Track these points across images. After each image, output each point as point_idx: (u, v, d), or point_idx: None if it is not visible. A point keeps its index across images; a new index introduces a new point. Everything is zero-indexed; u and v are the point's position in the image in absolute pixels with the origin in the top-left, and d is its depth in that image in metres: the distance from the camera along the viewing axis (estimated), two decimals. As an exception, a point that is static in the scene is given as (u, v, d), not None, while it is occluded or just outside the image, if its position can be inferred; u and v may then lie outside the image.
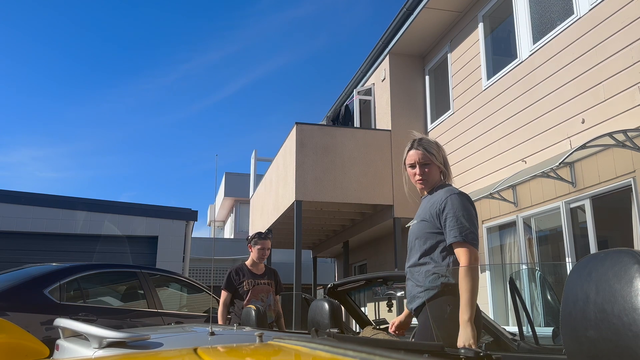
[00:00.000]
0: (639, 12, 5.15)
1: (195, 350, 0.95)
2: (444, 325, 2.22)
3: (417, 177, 2.51)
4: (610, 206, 5.69)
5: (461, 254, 2.29)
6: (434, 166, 2.50)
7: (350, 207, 9.39)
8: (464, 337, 2.11)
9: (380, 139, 9.20)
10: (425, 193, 2.57)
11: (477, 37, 7.99)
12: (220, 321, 4.49)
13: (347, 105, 11.49)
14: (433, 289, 2.33)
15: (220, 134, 72.83)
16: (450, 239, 2.32)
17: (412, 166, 2.52)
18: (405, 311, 2.63)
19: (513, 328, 4.55)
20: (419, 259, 2.42)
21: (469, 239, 2.30)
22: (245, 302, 4.36)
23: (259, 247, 4.54)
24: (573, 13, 6.07)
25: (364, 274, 7.22)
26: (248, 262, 4.59)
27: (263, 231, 4.70)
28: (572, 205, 5.91)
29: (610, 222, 5.94)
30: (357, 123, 10.46)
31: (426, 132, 9.42)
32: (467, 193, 2.48)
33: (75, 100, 64.84)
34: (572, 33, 6.02)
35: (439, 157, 2.52)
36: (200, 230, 61.20)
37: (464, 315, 2.16)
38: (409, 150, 2.54)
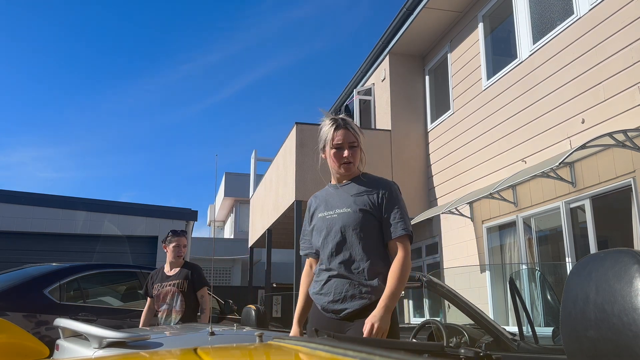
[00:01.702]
0: (639, 12, 5.15)
1: (195, 350, 0.95)
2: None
3: (345, 160, 2.25)
4: (610, 206, 5.69)
5: (402, 247, 2.15)
6: (359, 150, 2.30)
7: (350, 207, 9.37)
8: (381, 321, 1.97)
9: (380, 139, 9.20)
10: (344, 181, 2.33)
11: (477, 37, 7.99)
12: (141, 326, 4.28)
13: (347, 105, 11.49)
14: (376, 293, 2.11)
15: (220, 134, 72.83)
16: (399, 232, 2.16)
17: (339, 148, 2.26)
18: (299, 313, 2.32)
19: (513, 328, 4.56)
20: (359, 254, 2.17)
21: (412, 234, 2.21)
22: (156, 307, 4.19)
23: (173, 244, 4.24)
24: (573, 13, 6.07)
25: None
26: (166, 264, 4.32)
27: (177, 229, 4.42)
28: (572, 205, 5.91)
29: (610, 222, 5.94)
30: (357, 123, 10.43)
31: (426, 132, 9.42)
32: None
33: (76, 100, 64.88)
34: (572, 33, 6.02)
35: (362, 141, 2.33)
36: (200, 230, 61.23)
37: (389, 302, 2.02)
38: (335, 130, 2.26)
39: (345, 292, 2.13)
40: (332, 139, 2.25)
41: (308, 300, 2.33)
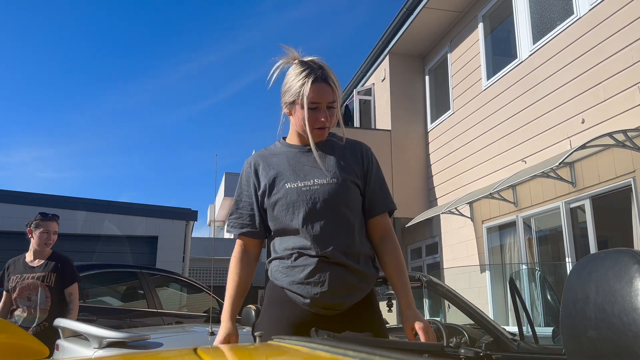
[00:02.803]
0: (639, 12, 5.15)
1: (195, 350, 0.95)
2: (383, 330, 1.78)
3: (320, 125, 1.72)
4: (610, 206, 5.69)
5: (390, 226, 1.82)
6: (336, 109, 1.76)
7: (350, 207, 9.37)
8: (424, 321, 1.67)
9: (380, 139, 9.20)
10: (311, 145, 1.76)
11: (477, 37, 7.99)
12: None
13: (347, 105, 11.49)
14: (372, 281, 1.78)
15: (220, 134, 72.87)
16: (389, 205, 1.81)
17: (316, 108, 1.70)
18: (231, 307, 1.79)
19: (513, 328, 4.56)
20: (351, 235, 1.73)
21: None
22: (14, 304, 3.54)
23: (41, 230, 3.57)
24: (573, 13, 6.07)
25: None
26: (28, 253, 3.66)
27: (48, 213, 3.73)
28: (572, 205, 5.91)
29: (610, 222, 5.95)
30: (357, 123, 10.45)
31: (426, 132, 9.43)
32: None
33: (76, 100, 64.92)
34: (572, 33, 6.02)
35: (340, 97, 1.78)
36: (200, 230, 61.24)
37: (412, 298, 1.73)
38: (312, 82, 1.68)
39: (342, 283, 1.69)
40: (307, 96, 1.68)
41: (240, 289, 1.81)
